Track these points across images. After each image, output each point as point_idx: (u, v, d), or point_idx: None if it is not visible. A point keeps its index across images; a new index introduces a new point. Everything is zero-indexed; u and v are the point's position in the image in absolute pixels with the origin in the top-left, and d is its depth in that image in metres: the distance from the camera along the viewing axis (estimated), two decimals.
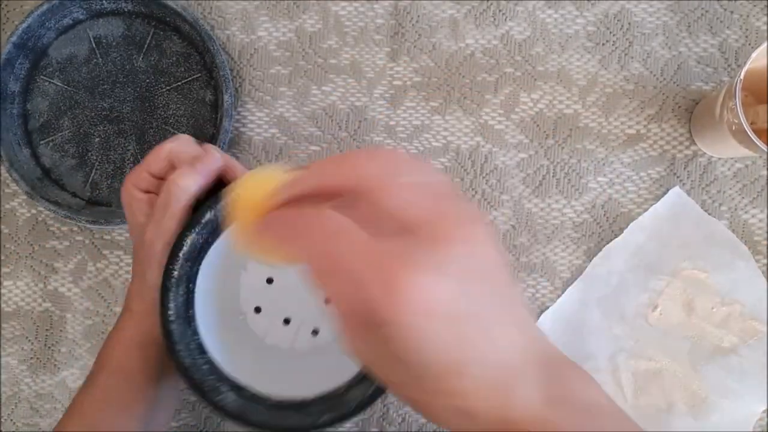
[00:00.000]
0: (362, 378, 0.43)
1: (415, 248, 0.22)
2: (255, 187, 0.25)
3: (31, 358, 0.50)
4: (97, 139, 0.50)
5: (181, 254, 0.39)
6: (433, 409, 0.24)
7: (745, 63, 0.39)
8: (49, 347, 0.50)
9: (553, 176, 0.49)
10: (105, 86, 0.50)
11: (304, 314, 0.45)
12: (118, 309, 0.50)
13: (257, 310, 0.45)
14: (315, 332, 0.45)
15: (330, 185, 0.24)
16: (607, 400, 0.26)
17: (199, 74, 0.50)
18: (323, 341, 0.44)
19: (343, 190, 0.24)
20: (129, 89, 0.50)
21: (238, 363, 0.43)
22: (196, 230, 0.39)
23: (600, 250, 0.48)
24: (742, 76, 0.39)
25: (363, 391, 0.42)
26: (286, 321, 0.45)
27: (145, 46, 0.50)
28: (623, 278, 0.48)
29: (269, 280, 0.45)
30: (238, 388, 0.42)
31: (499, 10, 0.49)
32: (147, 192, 0.40)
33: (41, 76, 0.51)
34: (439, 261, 0.22)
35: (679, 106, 0.49)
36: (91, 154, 0.50)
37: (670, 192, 0.48)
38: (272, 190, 0.25)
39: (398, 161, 0.24)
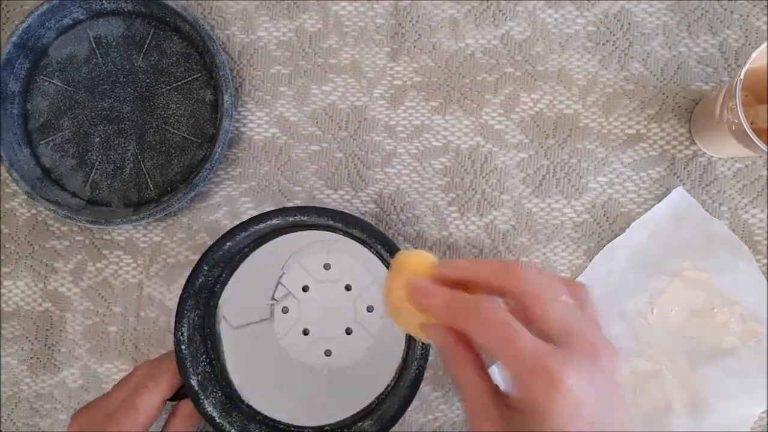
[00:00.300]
0: (368, 413, 0.44)
1: (572, 355, 0.27)
2: (413, 260, 0.31)
3: (31, 358, 0.50)
4: (97, 139, 0.50)
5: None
6: None
7: (745, 63, 0.39)
8: (49, 347, 0.50)
9: (553, 176, 0.49)
10: (105, 86, 0.50)
11: (323, 331, 0.46)
12: (118, 309, 0.50)
13: (284, 310, 0.46)
14: (328, 353, 0.46)
15: (494, 283, 0.29)
16: None
17: (199, 74, 0.50)
18: (334, 365, 0.45)
19: (504, 291, 0.29)
20: (129, 89, 0.50)
21: (254, 384, 0.45)
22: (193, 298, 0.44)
23: (600, 249, 0.48)
24: (742, 76, 0.39)
25: (369, 428, 0.43)
26: (305, 332, 0.46)
27: (145, 46, 0.50)
28: (624, 277, 0.48)
29: (305, 288, 0.46)
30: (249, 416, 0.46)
31: (499, 10, 0.49)
32: None
33: (41, 76, 0.51)
34: (591, 370, 0.27)
35: (679, 106, 0.49)
36: (91, 154, 0.50)
37: (673, 192, 0.48)
38: (432, 264, 0.31)
39: (555, 284, 0.30)
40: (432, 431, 0.48)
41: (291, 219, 0.44)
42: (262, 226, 0.44)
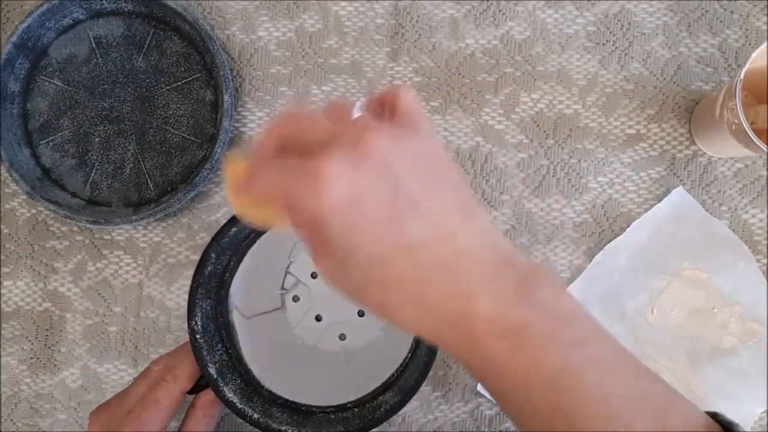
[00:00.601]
0: (388, 386, 0.45)
1: (333, 150, 0.23)
2: (230, 164, 0.29)
3: (31, 358, 0.50)
4: (97, 139, 0.50)
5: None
6: (392, 307, 0.25)
7: (745, 63, 0.39)
8: (49, 347, 0.50)
9: (553, 176, 0.49)
10: (105, 86, 0.50)
11: (335, 316, 0.46)
12: (118, 309, 0.50)
13: (295, 299, 0.47)
14: (342, 337, 0.46)
15: (267, 151, 0.26)
16: (584, 313, 0.25)
17: (199, 74, 0.50)
18: (350, 348, 0.46)
19: (279, 149, 0.26)
20: (129, 89, 0.50)
21: (272, 371, 0.45)
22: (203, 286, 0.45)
23: (600, 249, 0.48)
24: (742, 76, 0.39)
25: (390, 399, 0.43)
26: (318, 318, 0.46)
27: (145, 46, 0.50)
28: (624, 277, 0.48)
29: (314, 275, 0.46)
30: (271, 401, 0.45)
31: (499, 10, 0.49)
32: None
33: (41, 76, 0.51)
34: (358, 156, 0.23)
35: (679, 106, 0.49)
36: (91, 154, 0.50)
37: (673, 192, 0.48)
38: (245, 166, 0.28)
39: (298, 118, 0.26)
40: (432, 431, 0.48)
41: None
42: None
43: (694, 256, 0.48)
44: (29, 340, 0.50)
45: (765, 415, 0.47)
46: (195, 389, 0.44)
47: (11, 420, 0.50)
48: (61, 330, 0.50)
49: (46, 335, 0.50)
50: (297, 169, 0.24)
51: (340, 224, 0.23)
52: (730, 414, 0.26)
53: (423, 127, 0.26)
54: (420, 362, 0.43)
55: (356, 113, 0.27)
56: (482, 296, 0.24)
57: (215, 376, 0.43)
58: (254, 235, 0.46)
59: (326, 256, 0.25)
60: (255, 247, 0.47)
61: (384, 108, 0.27)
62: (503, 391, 0.25)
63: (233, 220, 0.44)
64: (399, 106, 0.27)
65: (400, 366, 0.45)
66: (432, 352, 0.42)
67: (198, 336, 0.43)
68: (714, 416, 0.26)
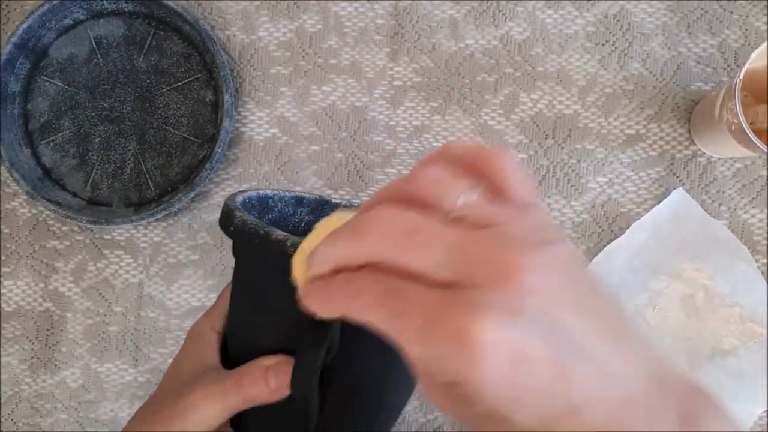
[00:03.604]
0: None
1: (480, 292, 0.18)
2: (296, 260, 0.24)
3: (32, 357, 0.50)
4: (97, 139, 0.50)
5: None
6: None
7: (744, 63, 0.39)
8: (50, 347, 0.50)
9: (552, 176, 0.49)
10: (105, 86, 0.50)
11: None
12: (119, 309, 0.50)
13: None
14: None
15: (350, 263, 0.21)
16: None
17: (200, 74, 0.50)
18: None
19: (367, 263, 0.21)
20: (129, 89, 0.50)
21: None
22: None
23: (600, 250, 0.48)
24: (741, 76, 0.39)
25: None
26: None
27: (146, 46, 0.50)
28: (623, 278, 0.48)
29: None
30: None
31: (499, 11, 0.49)
32: None
33: (42, 76, 0.51)
34: (515, 301, 0.18)
35: (679, 106, 0.49)
36: (92, 154, 0.50)
37: (673, 192, 0.48)
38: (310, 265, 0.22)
39: (402, 225, 0.20)
40: (432, 431, 0.48)
41: None
42: None
43: (694, 257, 0.48)
44: (30, 340, 0.50)
45: (765, 415, 0.47)
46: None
47: (12, 420, 0.50)
48: (61, 330, 0.50)
49: (47, 335, 0.50)
50: (432, 320, 0.18)
51: (496, 396, 0.19)
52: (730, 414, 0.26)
53: (545, 216, 0.21)
54: None
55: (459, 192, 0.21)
56: None
57: None
58: None
59: (457, 404, 0.21)
60: None
61: (467, 172, 0.22)
62: None
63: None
64: (508, 185, 0.21)
65: None
66: None
67: None
68: None
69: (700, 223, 0.48)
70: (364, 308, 0.20)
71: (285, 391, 0.30)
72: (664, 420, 0.20)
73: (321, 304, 0.22)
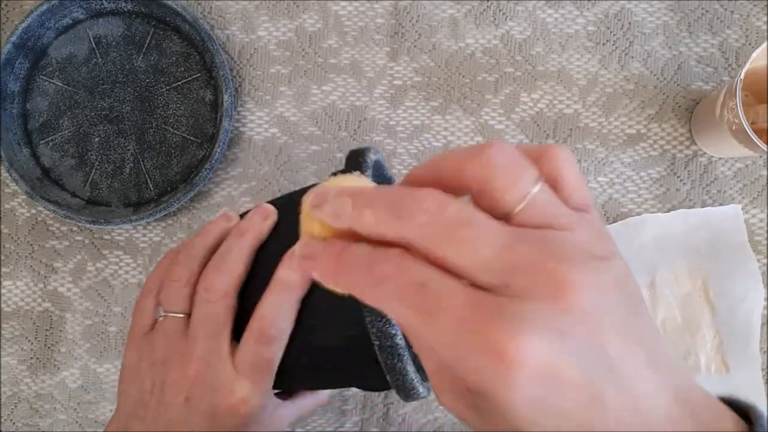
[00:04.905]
0: None
1: (525, 304, 0.17)
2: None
3: (31, 358, 0.50)
4: (96, 139, 0.50)
5: None
6: None
7: (745, 63, 0.39)
8: (49, 347, 0.50)
9: None
10: (105, 86, 0.50)
11: None
12: (118, 309, 0.50)
13: None
14: None
15: (380, 237, 0.19)
16: None
17: (199, 74, 0.50)
18: None
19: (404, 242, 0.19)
20: (129, 89, 0.50)
21: None
22: None
23: None
24: (742, 76, 0.39)
25: None
26: None
27: (145, 45, 0.50)
28: (640, 254, 0.48)
29: None
30: None
31: (499, 10, 0.49)
32: None
33: (41, 76, 0.51)
34: (560, 319, 0.17)
35: (680, 106, 0.49)
36: (91, 154, 0.50)
37: (730, 207, 0.47)
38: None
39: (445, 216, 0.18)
40: (432, 431, 0.48)
41: None
42: None
43: (695, 257, 0.48)
44: (29, 340, 0.50)
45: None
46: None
47: (11, 420, 0.50)
48: (60, 330, 0.50)
49: (46, 335, 0.50)
50: (465, 325, 0.17)
51: (522, 416, 0.18)
52: None
53: (601, 225, 0.20)
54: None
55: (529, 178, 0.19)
56: None
57: None
58: None
59: (473, 413, 0.20)
60: None
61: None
62: None
63: None
64: (568, 184, 0.20)
65: None
66: None
67: None
68: (729, 402, 0.22)
69: (740, 249, 0.47)
70: (383, 296, 0.18)
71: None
72: None
73: (329, 275, 0.20)
